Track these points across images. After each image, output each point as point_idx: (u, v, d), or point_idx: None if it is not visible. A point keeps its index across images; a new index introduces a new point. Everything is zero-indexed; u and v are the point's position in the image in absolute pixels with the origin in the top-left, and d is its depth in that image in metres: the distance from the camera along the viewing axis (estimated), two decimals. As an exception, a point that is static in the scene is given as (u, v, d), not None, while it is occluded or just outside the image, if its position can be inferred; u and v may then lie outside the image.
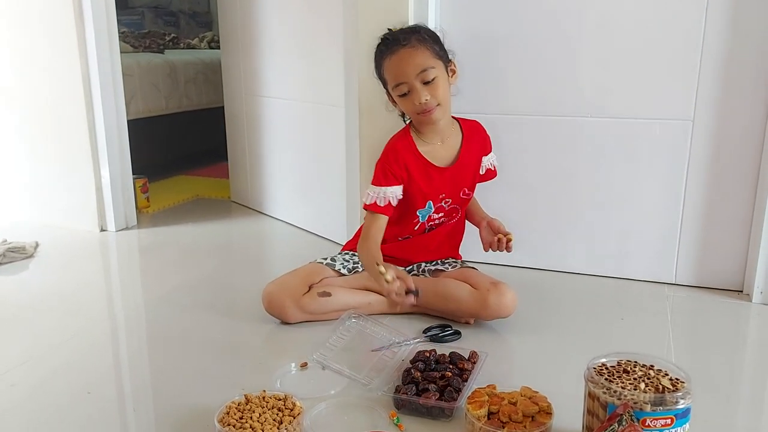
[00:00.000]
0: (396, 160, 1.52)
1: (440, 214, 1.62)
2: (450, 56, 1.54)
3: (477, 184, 1.67)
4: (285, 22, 2.20)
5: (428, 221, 1.61)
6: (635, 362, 1.04)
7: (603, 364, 1.04)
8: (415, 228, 1.61)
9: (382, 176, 1.52)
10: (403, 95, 1.48)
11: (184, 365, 1.33)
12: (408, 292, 1.32)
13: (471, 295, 1.48)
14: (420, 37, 1.48)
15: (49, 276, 1.85)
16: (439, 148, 1.57)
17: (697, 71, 1.62)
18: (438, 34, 1.54)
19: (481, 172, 1.65)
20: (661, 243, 1.75)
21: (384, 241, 1.53)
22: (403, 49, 1.46)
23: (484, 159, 1.65)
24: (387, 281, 1.30)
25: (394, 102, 1.56)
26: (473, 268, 1.62)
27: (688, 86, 1.64)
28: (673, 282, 1.76)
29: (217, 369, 1.31)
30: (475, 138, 1.62)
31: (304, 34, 2.12)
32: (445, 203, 1.60)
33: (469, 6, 1.78)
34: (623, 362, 1.05)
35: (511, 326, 1.49)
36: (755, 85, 1.58)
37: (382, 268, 1.31)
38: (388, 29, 1.53)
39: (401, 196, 1.53)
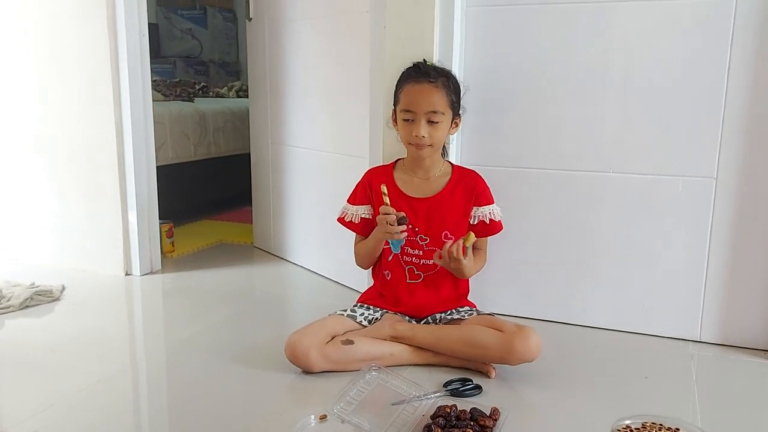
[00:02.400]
0: (366, 182, 1.69)
1: (417, 251, 1.63)
2: (461, 111, 1.65)
3: (486, 240, 1.68)
4: (311, 73, 2.27)
5: (404, 254, 1.63)
6: (660, 425, 1.03)
7: (628, 426, 1.03)
8: (389, 258, 1.63)
9: (353, 195, 1.72)
10: (407, 120, 1.58)
11: (204, 415, 1.33)
12: (400, 221, 1.52)
13: (497, 338, 1.47)
14: (446, 82, 1.59)
15: (74, 320, 1.87)
16: (418, 182, 1.66)
17: (720, 129, 1.63)
18: (462, 88, 1.64)
19: (472, 222, 1.65)
20: (686, 300, 1.73)
21: (383, 286, 1.68)
22: (428, 84, 1.57)
23: (477, 210, 1.65)
24: (385, 203, 1.53)
25: (395, 122, 1.65)
26: (491, 314, 1.63)
27: (711, 144, 1.65)
28: (698, 339, 1.73)
29: (237, 419, 1.31)
30: (464, 184, 1.65)
31: (330, 85, 2.18)
32: (420, 239, 1.62)
33: (495, 60, 1.82)
34: (648, 424, 1.04)
35: (533, 381, 1.47)
36: (778, 143, 1.59)
37: (384, 189, 1.54)
38: (424, 59, 1.65)
39: (367, 216, 1.67)
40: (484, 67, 1.83)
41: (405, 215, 1.55)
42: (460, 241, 1.51)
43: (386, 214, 1.54)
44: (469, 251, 1.55)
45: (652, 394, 1.45)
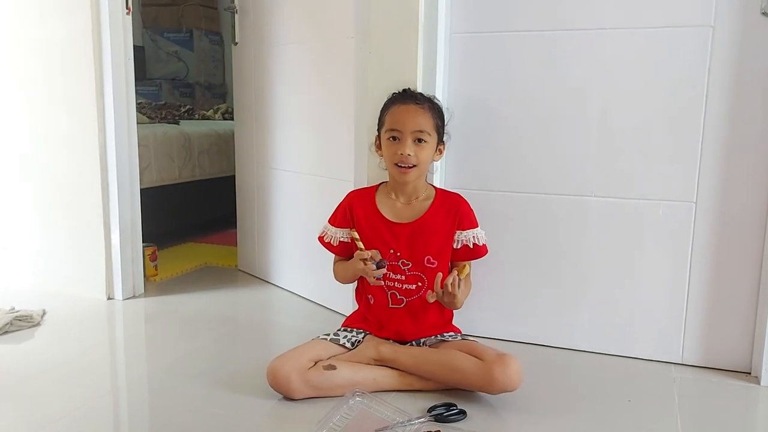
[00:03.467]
0: (346, 206, 1.69)
1: (399, 276, 1.62)
2: (445, 138, 1.66)
3: (472, 263, 1.68)
4: (297, 97, 2.28)
5: (386, 279, 1.62)
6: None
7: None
8: (372, 282, 1.61)
9: (333, 216, 1.72)
10: (392, 139, 1.58)
11: (185, 442, 1.32)
12: (379, 265, 1.55)
13: (476, 366, 1.47)
14: (433, 106, 1.62)
15: (54, 346, 1.85)
16: (400, 206, 1.66)
17: (699, 154, 1.66)
18: (446, 115, 1.65)
19: (456, 246, 1.64)
20: (667, 323, 1.74)
21: (367, 309, 1.68)
22: (414, 105, 1.59)
23: (461, 234, 1.64)
24: (360, 248, 1.56)
25: (378, 146, 1.66)
26: (474, 341, 1.62)
27: (691, 169, 1.67)
28: (680, 362, 1.74)
29: (218, 446, 1.30)
30: (447, 208, 1.65)
31: (315, 108, 2.19)
32: (402, 264, 1.62)
33: (478, 85, 1.85)
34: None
35: (517, 406, 1.47)
36: (756, 167, 1.62)
37: (356, 234, 1.59)
38: (408, 88, 1.67)
39: (346, 240, 1.67)
40: (468, 91, 1.85)
41: (384, 260, 1.57)
42: (455, 274, 1.50)
43: (362, 259, 1.55)
44: (463, 281, 1.53)
45: (636, 419, 1.45)
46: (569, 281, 1.82)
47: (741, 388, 1.62)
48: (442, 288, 1.50)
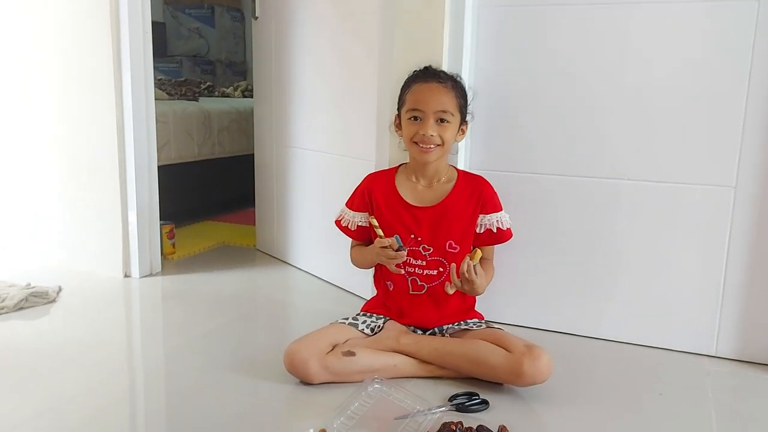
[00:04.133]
0: (365, 189, 1.63)
1: (420, 261, 1.56)
2: (468, 118, 1.58)
3: (493, 249, 1.62)
4: (318, 74, 2.21)
5: (406, 265, 1.56)
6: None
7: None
8: (391, 271, 1.54)
9: (351, 199, 1.66)
10: (413, 119, 1.51)
11: (200, 425, 1.28)
12: (398, 249, 1.48)
13: (505, 359, 1.40)
14: (456, 84, 1.55)
15: (69, 323, 1.82)
16: (422, 189, 1.59)
17: (740, 137, 1.57)
18: (470, 94, 1.58)
19: (478, 231, 1.58)
20: (701, 313, 1.67)
21: (386, 297, 1.62)
22: (437, 84, 1.51)
23: (484, 218, 1.57)
24: (380, 236, 1.48)
25: (398, 126, 1.58)
26: (500, 328, 1.56)
27: (731, 152, 1.59)
28: (713, 354, 1.67)
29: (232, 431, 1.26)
30: (469, 191, 1.57)
31: (336, 86, 2.13)
32: (423, 249, 1.55)
33: (507, 61, 1.77)
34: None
35: (543, 396, 1.41)
36: (802, 153, 1.53)
37: (375, 222, 1.50)
38: (430, 65, 1.59)
39: (364, 224, 1.62)
40: (497, 68, 1.77)
41: (404, 246, 1.50)
42: (468, 260, 1.44)
43: (383, 247, 1.49)
44: (478, 266, 1.46)
45: (668, 413, 1.39)
46: (599, 268, 1.75)
47: (778, 383, 1.55)
48: (459, 277, 1.44)
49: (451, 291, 1.47)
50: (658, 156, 1.65)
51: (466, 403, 1.36)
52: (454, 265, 1.46)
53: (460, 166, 1.78)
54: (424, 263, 1.57)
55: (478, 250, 1.45)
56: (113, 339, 1.75)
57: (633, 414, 1.38)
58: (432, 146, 1.51)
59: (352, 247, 1.69)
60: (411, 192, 1.59)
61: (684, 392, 1.48)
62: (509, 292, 1.81)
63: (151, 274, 2.27)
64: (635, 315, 1.73)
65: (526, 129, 1.77)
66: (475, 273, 1.43)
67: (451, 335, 1.55)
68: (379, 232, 1.50)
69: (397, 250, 1.49)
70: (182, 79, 4.07)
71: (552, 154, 1.75)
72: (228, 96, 3.94)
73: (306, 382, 1.44)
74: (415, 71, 1.58)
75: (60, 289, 2.05)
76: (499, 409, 1.36)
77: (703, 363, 1.64)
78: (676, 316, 1.69)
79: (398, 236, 1.51)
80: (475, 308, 1.66)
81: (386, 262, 1.52)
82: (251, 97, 3.32)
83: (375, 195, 1.60)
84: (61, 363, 1.55)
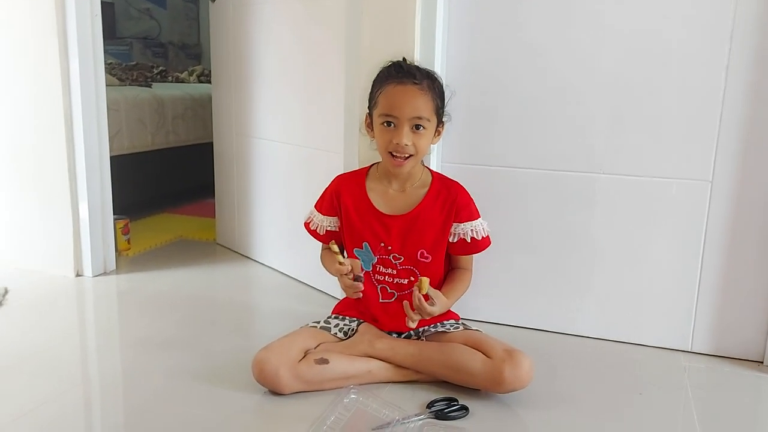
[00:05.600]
0: (333, 192, 1.54)
1: (389, 270, 1.50)
2: (444, 119, 1.49)
3: (471, 258, 1.55)
4: (281, 60, 2.11)
5: (375, 273, 1.50)
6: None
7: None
8: (360, 274, 1.46)
9: (320, 201, 1.58)
10: (386, 124, 1.40)
11: (162, 444, 1.19)
12: (356, 279, 1.41)
13: (484, 366, 1.35)
14: (432, 85, 1.43)
15: (17, 329, 1.70)
16: (393, 194, 1.50)
17: (717, 130, 1.55)
18: (446, 94, 1.48)
19: (452, 240, 1.49)
20: (677, 309, 1.65)
21: (357, 302, 1.53)
22: (413, 86, 1.40)
23: (458, 226, 1.49)
24: (340, 262, 1.39)
25: (369, 126, 1.48)
26: (477, 330, 1.50)
27: (707, 146, 1.56)
28: (689, 350, 1.65)
29: (199, 450, 1.18)
30: (443, 198, 1.48)
31: (301, 74, 2.02)
32: (393, 258, 1.49)
33: (480, 51, 1.70)
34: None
35: (522, 399, 1.37)
36: (779, 146, 1.51)
37: (336, 248, 1.37)
38: (404, 58, 1.47)
39: (333, 229, 1.55)
40: (469, 58, 1.71)
41: (361, 276, 1.43)
42: (416, 293, 1.33)
43: (342, 274, 1.41)
44: (432, 292, 1.36)
45: (649, 412, 1.36)
46: (575, 263, 1.71)
47: (754, 378, 1.54)
48: (413, 310, 1.36)
49: (413, 324, 1.38)
50: (634, 149, 1.62)
51: (445, 410, 1.31)
52: (406, 302, 1.37)
53: (432, 159, 1.71)
54: (395, 272, 1.50)
55: (424, 280, 1.34)
56: (65, 345, 1.63)
57: (615, 413, 1.35)
58: (406, 156, 1.41)
59: (322, 249, 1.61)
60: (382, 198, 1.51)
61: (662, 389, 1.46)
62: (483, 289, 1.76)
63: (104, 273, 2.15)
64: (611, 311, 1.70)
65: (499, 121, 1.71)
66: (428, 302, 1.35)
67: (427, 338, 1.49)
68: (339, 258, 1.40)
69: (355, 280, 1.42)
70: (133, 63, 3.89)
71: (526, 147, 1.70)
72: (182, 81, 3.78)
73: (276, 393, 1.35)
74: (387, 67, 1.46)
75: (6, 291, 1.92)
76: (478, 415, 1.31)
77: (680, 358, 1.62)
78: (651, 311, 1.67)
79: (367, 243, 1.44)
80: (450, 308, 1.60)
81: (344, 290, 1.45)
82: (207, 82, 3.19)
83: (344, 199, 1.51)
84: (9, 374, 1.44)
